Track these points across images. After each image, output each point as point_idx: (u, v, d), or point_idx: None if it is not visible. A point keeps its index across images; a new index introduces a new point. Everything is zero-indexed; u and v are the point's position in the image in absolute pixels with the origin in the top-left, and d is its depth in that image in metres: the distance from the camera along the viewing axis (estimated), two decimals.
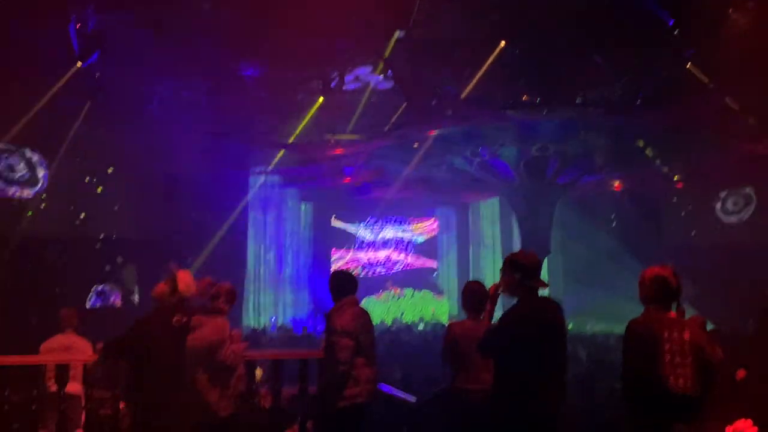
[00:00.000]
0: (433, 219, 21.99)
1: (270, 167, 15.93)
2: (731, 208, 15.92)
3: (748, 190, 15.53)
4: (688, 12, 10.24)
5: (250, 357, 5.47)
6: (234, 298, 5.27)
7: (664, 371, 3.67)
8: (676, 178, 15.05)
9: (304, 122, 13.05)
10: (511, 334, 4.10)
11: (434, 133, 13.61)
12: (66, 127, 11.81)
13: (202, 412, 4.80)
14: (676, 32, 10.71)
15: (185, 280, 4.66)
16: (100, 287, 13.27)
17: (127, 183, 13.23)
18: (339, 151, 14.45)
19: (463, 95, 12.52)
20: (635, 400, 3.87)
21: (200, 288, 5.17)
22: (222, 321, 5.09)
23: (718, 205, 16.05)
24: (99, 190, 13.06)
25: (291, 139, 13.80)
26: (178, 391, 4.51)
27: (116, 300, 13.58)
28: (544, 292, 4.37)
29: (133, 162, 12.71)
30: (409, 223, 21.73)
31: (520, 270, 4.19)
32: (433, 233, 22.04)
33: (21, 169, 12.18)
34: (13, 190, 12.12)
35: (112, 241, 13.07)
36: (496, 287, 4.39)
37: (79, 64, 10.54)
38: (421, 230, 21.95)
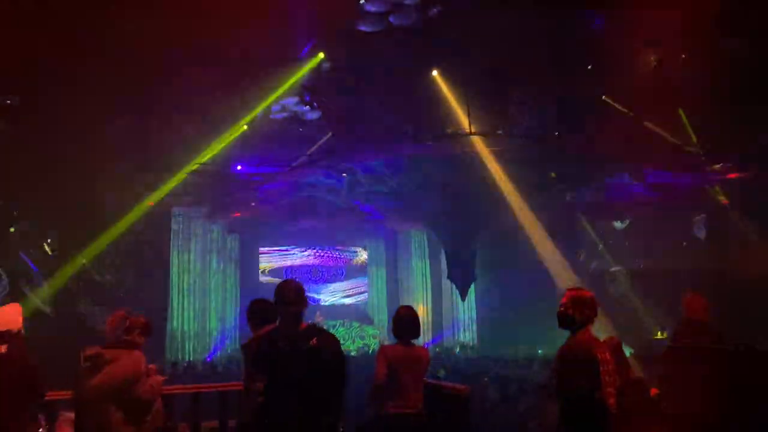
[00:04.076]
0: (362, 248, 22.02)
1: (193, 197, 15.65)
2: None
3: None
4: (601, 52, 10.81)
5: (167, 391, 5.28)
6: (149, 331, 5.07)
7: (604, 392, 3.82)
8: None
9: (221, 146, 12.73)
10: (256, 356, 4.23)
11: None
12: None
13: None
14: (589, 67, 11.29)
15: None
16: None
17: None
18: (265, 178, 14.34)
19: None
20: (575, 417, 4.00)
21: (114, 321, 4.99)
22: (138, 354, 4.89)
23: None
24: None
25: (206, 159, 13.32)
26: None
27: None
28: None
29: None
30: (339, 252, 21.66)
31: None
32: (363, 262, 22.07)
33: None
34: None
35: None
36: None
37: None
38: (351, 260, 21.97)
